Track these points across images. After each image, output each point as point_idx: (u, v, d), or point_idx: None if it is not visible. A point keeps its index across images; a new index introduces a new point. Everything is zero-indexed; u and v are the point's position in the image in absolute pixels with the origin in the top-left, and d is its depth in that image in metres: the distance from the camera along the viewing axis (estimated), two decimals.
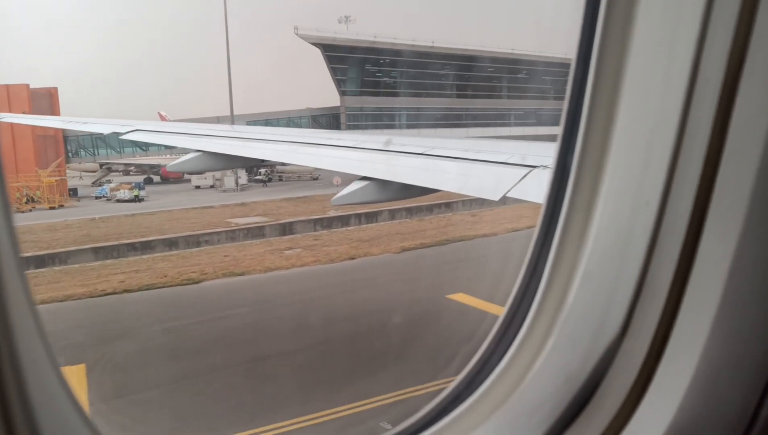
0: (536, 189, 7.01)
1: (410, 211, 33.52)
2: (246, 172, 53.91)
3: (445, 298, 16.56)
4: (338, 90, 58.60)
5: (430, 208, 34.12)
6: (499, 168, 8.13)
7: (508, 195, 7.40)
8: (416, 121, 60.89)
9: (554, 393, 1.42)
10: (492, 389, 1.48)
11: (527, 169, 7.58)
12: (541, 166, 7.54)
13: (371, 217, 31.77)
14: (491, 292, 16.32)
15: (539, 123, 64.55)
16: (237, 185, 46.65)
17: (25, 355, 1.05)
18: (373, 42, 56.67)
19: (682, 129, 1.25)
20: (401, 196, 10.13)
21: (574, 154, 1.39)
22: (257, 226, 29.27)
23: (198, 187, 47.83)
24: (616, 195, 1.35)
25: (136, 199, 40.92)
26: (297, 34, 53.87)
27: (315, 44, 55.02)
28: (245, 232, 28.42)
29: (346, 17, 63.35)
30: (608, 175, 1.35)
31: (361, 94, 60.02)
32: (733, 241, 1.16)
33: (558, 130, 1.51)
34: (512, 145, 9.66)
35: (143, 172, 55.06)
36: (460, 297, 16.49)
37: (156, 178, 53.90)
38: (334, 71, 57.75)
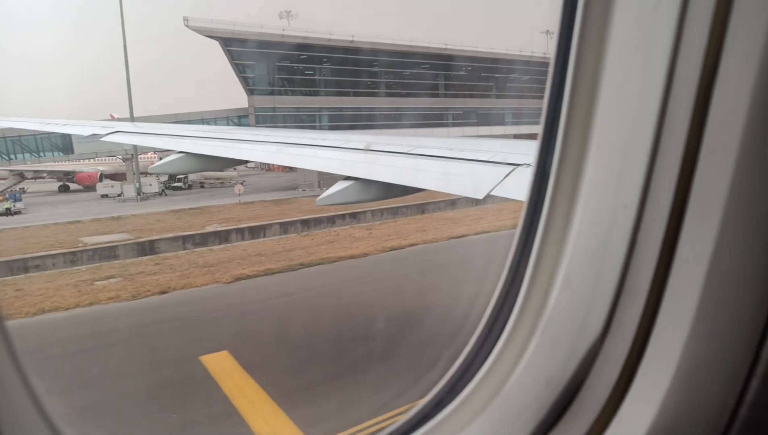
0: (520, 187, 7.04)
1: (307, 224, 30.39)
2: (167, 178, 50.17)
3: (196, 361, 13.40)
4: (245, 88, 52.35)
5: (331, 220, 31.03)
6: (481, 166, 8.16)
7: (492, 193, 7.41)
8: (339, 122, 55.49)
9: (537, 396, 1.42)
10: (474, 394, 1.48)
11: (510, 168, 7.61)
12: (524, 164, 7.59)
13: (257, 231, 28.61)
14: (273, 349, 14.06)
15: (482, 123, 62.49)
16: (138, 194, 43.11)
17: None
18: (282, 36, 50.78)
19: (659, 130, 1.25)
20: (385, 196, 10.12)
21: (553, 156, 1.39)
22: (107, 247, 25.13)
23: (105, 195, 43.83)
24: (596, 197, 1.36)
25: (8, 213, 35.39)
26: (188, 26, 46.93)
27: (212, 37, 48.86)
28: (90, 254, 24.36)
29: (287, 12, 58.70)
30: (587, 178, 1.35)
31: (274, 93, 53.97)
32: (711, 241, 1.17)
33: (537, 131, 1.51)
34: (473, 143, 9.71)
35: (58, 179, 51.17)
36: (214, 359, 13.47)
37: (74, 186, 50.19)
38: (238, 68, 51.44)
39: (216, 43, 48.73)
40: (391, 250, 25.00)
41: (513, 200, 7.19)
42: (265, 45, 50.17)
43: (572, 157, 1.36)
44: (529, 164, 7.37)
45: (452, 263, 22.89)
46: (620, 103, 1.30)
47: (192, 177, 51.25)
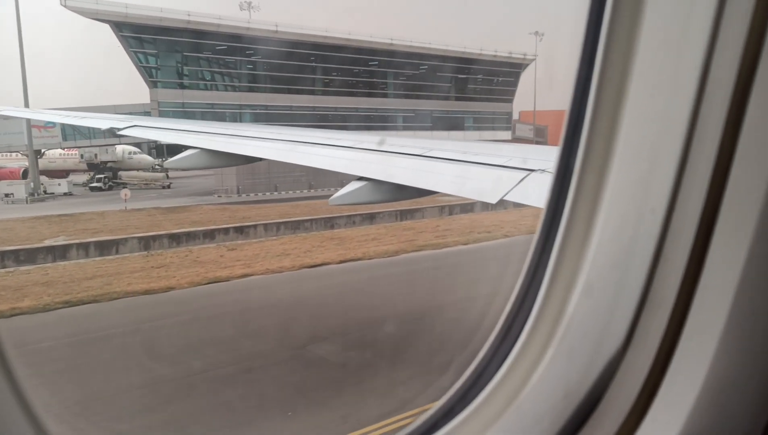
0: (534, 192, 6.98)
1: (176, 239, 26.15)
2: (89, 177, 47.35)
3: None
4: (146, 81, 45.39)
5: (209, 235, 26.72)
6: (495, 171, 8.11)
7: (506, 198, 7.35)
8: (263, 121, 48.19)
9: (553, 407, 1.37)
10: (487, 403, 1.43)
11: (525, 173, 7.55)
12: (539, 169, 7.52)
13: (104, 247, 24.39)
14: None
15: (437, 127, 56.84)
16: (32, 195, 39.83)
17: None
18: (188, 22, 44.03)
19: (690, 133, 1.20)
20: (397, 198, 10.09)
21: (576, 158, 1.34)
22: None
23: (8, 195, 39.67)
24: (620, 201, 1.30)
25: None
26: (65, 6, 39.80)
27: (100, 20, 42.15)
28: None
29: (249, 3, 53.83)
30: (612, 181, 1.30)
31: (183, 86, 47.39)
32: (743, 250, 1.11)
33: (561, 132, 1.45)
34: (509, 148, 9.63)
35: None
36: None
37: None
38: (137, 57, 44.61)
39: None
40: (209, 283, 19.74)
41: (527, 206, 7.13)
42: (170, 32, 44.24)
43: (596, 158, 1.31)
44: (544, 170, 7.30)
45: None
46: (649, 103, 1.24)
47: (127, 176, 48.31)
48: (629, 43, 1.23)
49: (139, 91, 46.87)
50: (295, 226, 29.51)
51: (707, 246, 1.18)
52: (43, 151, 47.11)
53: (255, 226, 28.57)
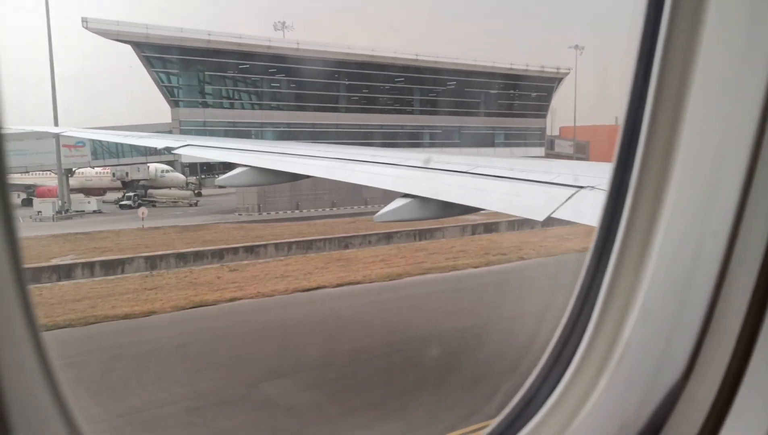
0: (583, 210, 6.84)
1: (184, 259, 25.50)
2: (121, 195, 47.70)
3: None
4: (168, 100, 45.50)
5: (218, 254, 26.30)
6: (545, 187, 8.00)
7: (553, 215, 7.24)
8: (286, 139, 47.53)
9: None
10: (537, 432, 1.36)
11: (573, 190, 7.42)
12: (588, 186, 7.37)
13: (107, 266, 24.14)
14: None
15: (465, 143, 54.89)
16: (60, 212, 40.81)
17: (4, 352, 1.04)
18: (209, 41, 44.13)
19: (756, 150, 1.12)
20: (443, 214, 10.08)
21: (631, 175, 1.27)
22: None
23: (40, 212, 40.63)
24: (680, 222, 1.23)
25: None
26: (87, 28, 40.28)
27: (122, 41, 42.65)
28: None
29: (283, 23, 54.00)
30: (670, 200, 1.23)
31: (205, 105, 47.50)
32: None
33: (611, 147, 1.39)
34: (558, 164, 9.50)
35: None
36: None
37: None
38: (158, 76, 44.84)
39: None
40: (193, 307, 19.10)
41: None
42: (191, 51, 44.49)
43: (653, 175, 1.24)
44: (594, 187, 7.15)
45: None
46: (712, 117, 1.17)
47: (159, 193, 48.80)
48: (689, 53, 1.17)
49: (160, 111, 47.30)
50: (307, 246, 28.70)
51: None
52: (73, 169, 48.13)
53: (265, 246, 27.97)
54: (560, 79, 61.08)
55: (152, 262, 25.34)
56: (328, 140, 46.67)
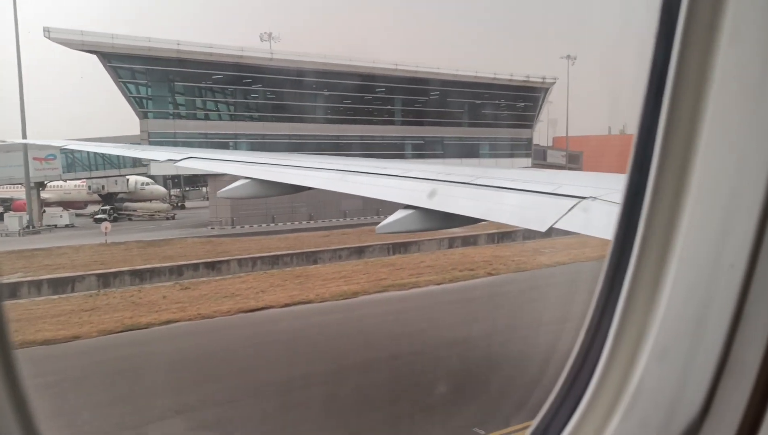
0: (584, 221, 6.91)
1: (139, 276, 24.44)
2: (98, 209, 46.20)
3: None
4: (136, 111, 43.73)
5: (178, 271, 25.28)
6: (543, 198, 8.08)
7: (556, 226, 7.31)
8: (263, 149, 44.29)
9: None
10: None
11: (575, 201, 7.50)
12: (590, 197, 7.45)
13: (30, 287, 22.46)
14: None
15: (448, 154, 53.19)
16: (27, 227, 40.11)
17: None
18: (178, 51, 42.26)
19: None
20: (445, 226, 10.14)
21: (642, 207, 1.22)
22: None
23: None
24: (695, 256, 1.17)
25: None
26: (50, 38, 38.90)
27: (87, 51, 40.90)
28: None
29: (269, 34, 52.32)
30: (684, 231, 1.17)
31: (175, 116, 45.41)
32: None
33: (625, 171, 1.33)
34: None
35: None
36: None
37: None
38: (126, 87, 42.91)
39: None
40: (123, 331, 17.90)
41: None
42: (160, 62, 42.74)
43: (665, 206, 1.18)
44: (595, 197, 7.23)
45: None
46: (727, 145, 1.12)
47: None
48: (700, 82, 1.12)
49: (128, 122, 45.54)
50: (273, 262, 27.40)
51: None
52: (45, 182, 46.86)
53: (228, 262, 26.86)
54: (547, 89, 59.69)
55: (105, 280, 24.00)
56: (306, 151, 44.90)
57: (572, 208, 7.37)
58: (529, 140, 61.95)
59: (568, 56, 61.19)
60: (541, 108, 60.49)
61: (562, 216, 7.31)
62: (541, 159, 65.11)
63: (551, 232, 7.33)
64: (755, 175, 1.10)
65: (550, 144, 72.00)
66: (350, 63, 47.53)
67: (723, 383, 1.18)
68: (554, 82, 58.99)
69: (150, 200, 51.03)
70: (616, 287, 1.28)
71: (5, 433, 1.15)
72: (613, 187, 7.23)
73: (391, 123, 53.63)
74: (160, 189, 52.15)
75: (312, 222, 42.73)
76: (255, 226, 41.27)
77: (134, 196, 50.54)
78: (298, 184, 12.17)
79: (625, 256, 1.26)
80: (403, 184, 10.63)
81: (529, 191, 8.49)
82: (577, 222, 7.01)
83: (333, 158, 17.63)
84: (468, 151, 55.83)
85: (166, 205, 50.86)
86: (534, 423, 1.42)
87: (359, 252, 29.78)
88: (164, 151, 18.80)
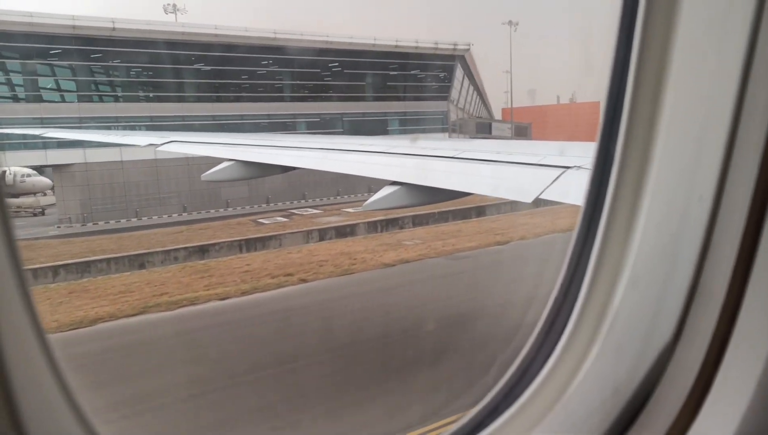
0: (571, 190, 6.95)
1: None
2: None
3: None
4: None
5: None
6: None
7: (541, 197, 7.34)
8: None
9: (601, 405, 1.32)
10: (533, 400, 1.39)
11: (560, 170, 7.52)
12: (575, 166, 7.48)
13: None
14: None
15: (348, 131, 46.52)
16: None
17: (14, 354, 1.03)
18: (30, 23, 34.35)
19: (737, 115, 1.14)
20: (432, 200, 10.15)
21: (616, 146, 1.28)
22: None
23: None
24: (666, 190, 1.25)
25: None
26: None
27: None
28: None
29: (174, 5, 44.37)
30: (656, 169, 1.25)
31: (29, 99, 37.57)
32: None
33: (598, 121, 1.39)
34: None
35: None
36: None
37: None
38: None
39: None
40: None
41: (563, 204, 7.07)
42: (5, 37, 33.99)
43: (638, 145, 1.25)
44: (580, 166, 7.25)
45: None
46: (693, 86, 1.19)
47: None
48: (669, 21, 1.17)
49: None
50: (83, 269, 22.81)
51: (759, 233, 1.13)
52: None
53: (36, 271, 21.52)
54: (460, 56, 52.63)
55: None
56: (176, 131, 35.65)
57: (557, 178, 7.40)
58: (445, 113, 55.22)
59: (510, 22, 55.85)
60: (454, 78, 54.00)
61: (548, 186, 7.34)
62: (486, 133, 60.32)
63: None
64: (719, 115, 1.16)
65: (492, 116, 69.08)
66: (219, 32, 40.56)
67: (694, 307, 1.26)
68: (468, 49, 51.94)
69: (33, 193, 42.56)
70: (594, 226, 1.35)
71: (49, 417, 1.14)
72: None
73: (280, 100, 46.50)
74: (44, 181, 42.74)
75: (185, 214, 36.47)
76: (113, 222, 34.89)
77: (14, 190, 41.90)
78: (281, 164, 12.08)
79: (601, 197, 1.33)
80: (389, 160, 10.60)
81: (515, 163, 8.51)
82: (562, 191, 7.04)
83: (317, 137, 17.46)
84: (374, 127, 47.64)
85: (32, 200, 42.55)
86: (522, 352, 1.50)
87: (202, 252, 25.13)
88: (145, 135, 18.50)
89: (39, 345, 1.14)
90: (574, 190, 6.63)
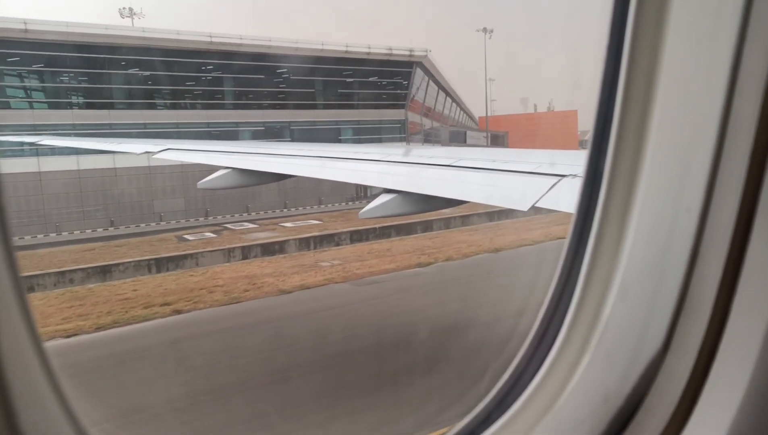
0: (567, 198, 6.97)
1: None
2: None
3: None
4: None
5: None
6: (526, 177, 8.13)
7: (537, 205, 7.36)
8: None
9: (592, 413, 1.34)
10: (524, 409, 1.40)
11: (556, 178, 7.55)
12: (571, 175, 7.51)
13: None
14: None
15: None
16: None
17: (9, 356, 1.04)
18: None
19: (723, 128, 1.16)
20: (427, 208, 10.16)
21: (606, 158, 1.31)
22: None
23: None
24: (654, 202, 1.27)
25: None
26: None
27: None
28: None
29: (131, 9, 41.63)
30: (644, 181, 1.27)
31: None
32: None
33: (588, 133, 1.43)
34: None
35: None
36: None
37: None
38: None
39: None
40: None
41: (559, 212, 7.09)
42: None
43: (627, 157, 1.28)
44: (576, 175, 7.28)
45: None
46: (681, 100, 1.21)
47: None
48: (657, 35, 1.19)
49: None
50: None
51: (746, 244, 1.15)
52: None
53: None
54: (418, 63, 50.14)
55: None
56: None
57: (553, 186, 7.43)
58: (403, 121, 52.90)
59: (485, 29, 53.28)
60: (412, 85, 50.93)
61: (543, 195, 7.36)
62: (460, 142, 58.69)
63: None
64: (707, 128, 1.18)
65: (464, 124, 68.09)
66: (152, 36, 37.84)
67: (682, 317, 1.28)
68: (425, 55, 49.48)
69: None
70: (585, 237, 1.37)
71: (44, 424, 1.16)
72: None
73: (222, 107, 43.92)
74: None
75: (112, 229, 33.81)
76: (28, 237, 31.53)
77: None
78: (277, 172, 12.09)
79: (591, 209, 1.35)
80: (384, 168, 10.61)
81: (510, 171, 8.53)
82: (558, 199, 7.06)
83: (318, 145, 17.41)
84: (325, 136, 46.73)
85: None
86: (514, 362, 1.51)
87: (103, 272, 22.80)
88: (142, 143, 18.46)
89: (36, 351, 1.15)
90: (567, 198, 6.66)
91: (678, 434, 1.24)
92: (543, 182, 7.53)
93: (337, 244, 27.45)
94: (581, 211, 1.41)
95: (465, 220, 31.00)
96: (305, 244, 26.87)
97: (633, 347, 1.32)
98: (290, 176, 12.31)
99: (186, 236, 30.29)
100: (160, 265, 23.50)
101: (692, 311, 1.26)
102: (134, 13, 43.04)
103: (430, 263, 22.76)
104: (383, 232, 28.61)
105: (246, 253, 25.50)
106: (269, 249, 26.06)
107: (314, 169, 11.90)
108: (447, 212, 28.32)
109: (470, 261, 22.66)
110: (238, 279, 21.84)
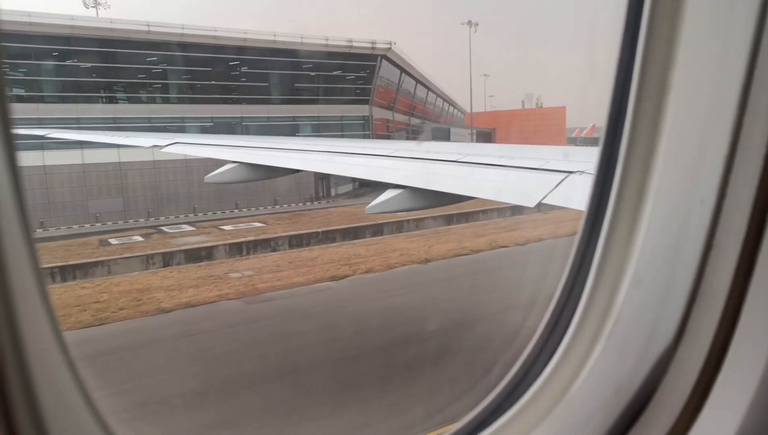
0: (574, 194, 6.96)
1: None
2: None
3: None
4: None
5: None
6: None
7: (544, 201, 7.35)
8: None
9: (604, 405, 1.33)
10: (535, 400, 1.39)
11: (563, 175, 7.54)
12: (578, 171, 7.50)
13: None
14: None
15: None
16: None
17: (34, 354, 1.04)
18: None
19: (739, 119, 1.16)
20: (435, 204, 10.16)
21: (620, 149, 1.30)
22: None
23: None
24: (668, 192, 1.26)
25: None
26: None
27: None
28: None
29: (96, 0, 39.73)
30: (658, 171, 1.26)
31: None
32: None
33: (602, 123, 1.42)
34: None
35: None
36: None
37: None
38: None
39: None
40: None
41: (565, 208, 7.07)
42: None
43: (641, 147, 1.27)
44: (583, 172, 7.26)
45: None
46: (696, 90, 1.20)
47: None
48: (673, 27, 1.18)
49: None
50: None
51: (761, 236, 1.14)
52: None
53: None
54: (382, 57, 47.11)
55: None
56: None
57: (560, 182, 7.42)
58: (367, 118, 49.58)
59: (470, 22, 51.61)
60: (375, 79, 47.92)
61: (551, 191, 7.35)
62: (444, 139, 56.11)
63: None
64: (722, 119, 1.18)
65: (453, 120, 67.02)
66: (100, 26, 35.71)
67: (695, 309, 1.27)
68: (389, 48, 46.49)
69: None
70: (597, 227, 1.37)
71: (67, 416, 1.16)
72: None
73: (167, 101, 41.19)
74: None
75: (41, 231, 30.88)
76: None
77: None
78: (284, 166, 12.12)
79: (604, 199, 1.34)
80: (393, 164, 10.62)
81: (518, 168, 8.53)
82: (565, 196, 7.05)
83: (327, 140, 17.45)
84: (281, 132, 42.73)
85: None
86: (526, 351, 1.50)
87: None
88: (150, 136, 18.53)
89: (57, 345, 1.15)
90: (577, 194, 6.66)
91: (690, 426, 1.24)
92: (550, 179, 7.54)
93: (273, 250, 25.18)
94: (593, 201, 1.41)
95: (419, 223, 28.42)
96: (236, 249, 24.59)
97: (645, 339, 1.31)
98: (298, 171, 12.33)
99: (110, 240, 27.51)
100: (65, 273, 20.86)
101: (705, 303, 1.25)
102: (99, 3, 40.77)
103: (345, 276, 20.46)
104: (327, 237, 26.30)
105: (168, 259, 23.13)
106: (194, 255, 23.76)
107: (322, 165, 11.92)
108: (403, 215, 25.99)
109: (391, 274, 20.40)
110: (126, 293, 19.50)
